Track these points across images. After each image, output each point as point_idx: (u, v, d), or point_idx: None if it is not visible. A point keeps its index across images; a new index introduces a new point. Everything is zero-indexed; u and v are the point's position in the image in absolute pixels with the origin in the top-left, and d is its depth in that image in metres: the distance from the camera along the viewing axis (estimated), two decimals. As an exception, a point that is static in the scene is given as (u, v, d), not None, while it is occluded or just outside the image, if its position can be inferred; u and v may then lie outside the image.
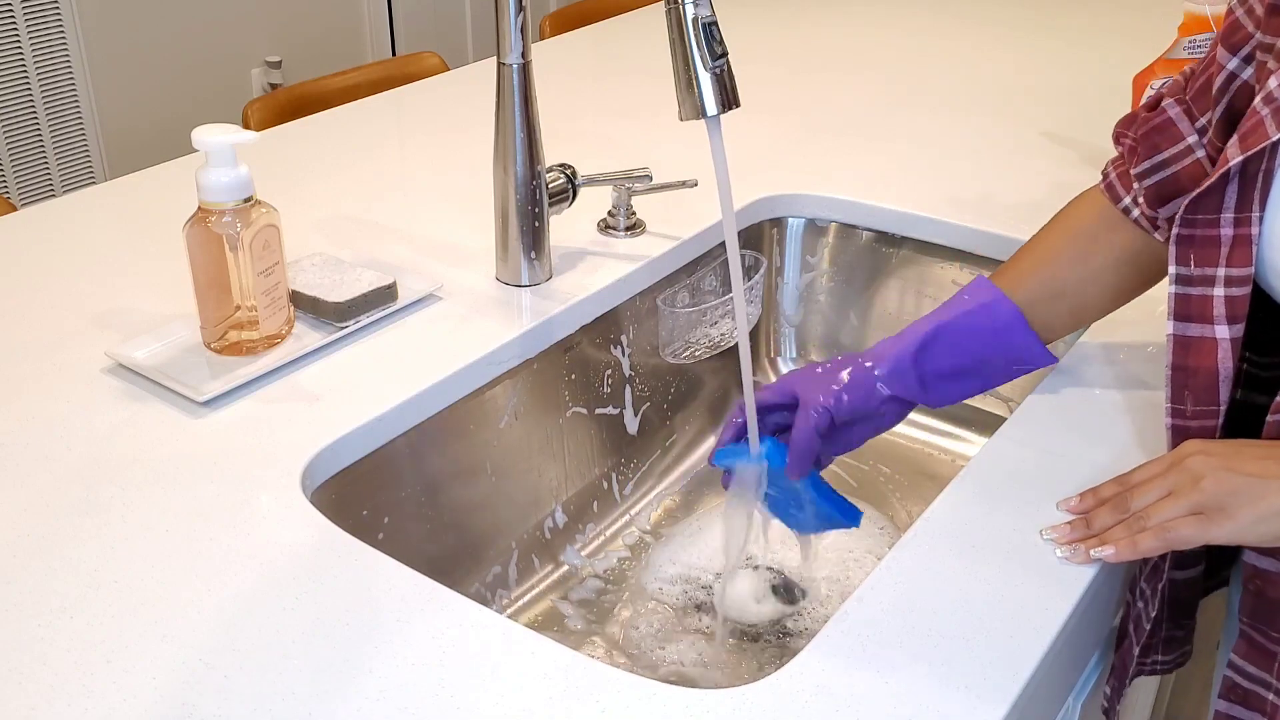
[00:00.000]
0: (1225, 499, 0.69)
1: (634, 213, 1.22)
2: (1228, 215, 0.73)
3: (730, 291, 1.27)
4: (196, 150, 0.91)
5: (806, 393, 0.87)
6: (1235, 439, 0.74)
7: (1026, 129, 1.48)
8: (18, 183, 2.85)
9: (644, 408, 1.22)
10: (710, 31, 0.77)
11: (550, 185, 1.09)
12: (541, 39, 1.97)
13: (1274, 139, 0.69)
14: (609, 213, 1.21)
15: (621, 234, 1.20)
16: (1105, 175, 0.90)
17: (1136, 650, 0.83)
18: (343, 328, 1.00)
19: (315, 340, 0.99)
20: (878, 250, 1.30)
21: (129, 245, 1.18)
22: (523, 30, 1.00)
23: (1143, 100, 0.87)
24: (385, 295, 1.03)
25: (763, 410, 0.89)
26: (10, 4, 2.72)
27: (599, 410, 1.16)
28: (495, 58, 1.02)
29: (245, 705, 0.65)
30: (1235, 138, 0.72)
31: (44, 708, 0.65)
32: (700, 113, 0.79)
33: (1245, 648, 0.78)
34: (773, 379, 1.36)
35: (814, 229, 1.32)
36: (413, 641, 0.69)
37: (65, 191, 2.91)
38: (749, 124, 1.49)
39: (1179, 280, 0.76)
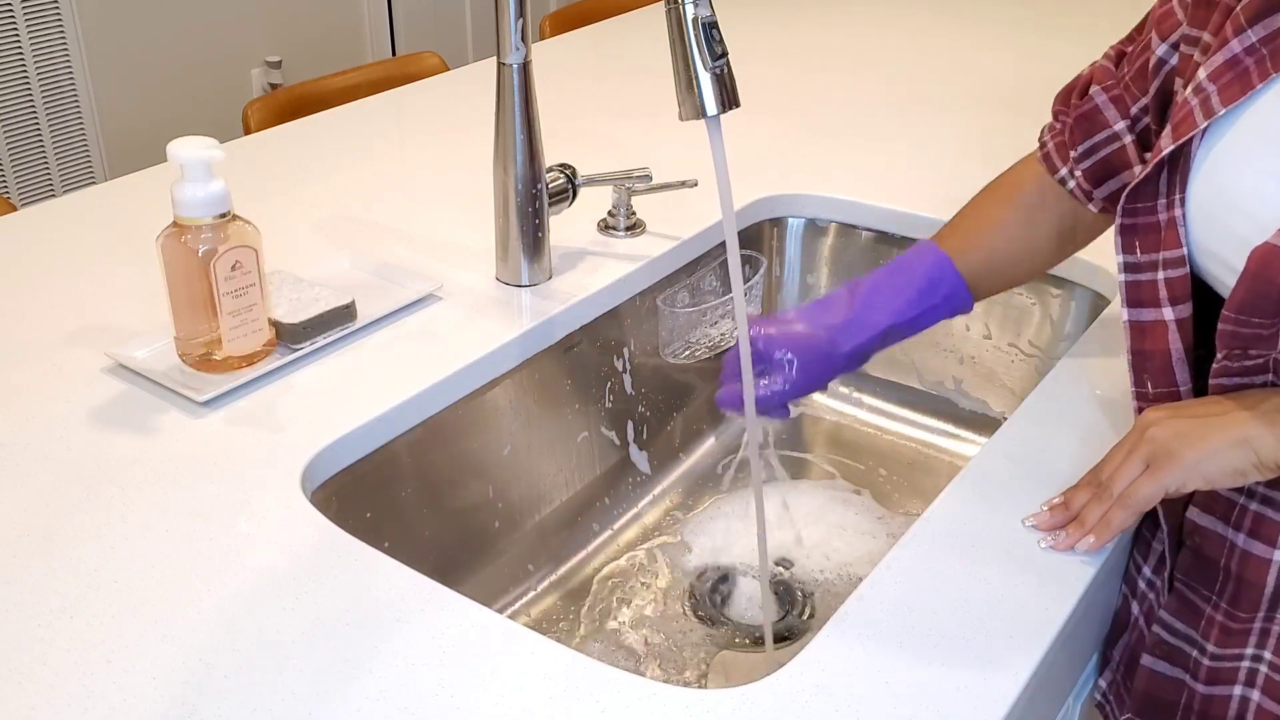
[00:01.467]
0: (1169, 443, 0.71)
1: (634, 213, 1.22)
2: (1161, 201, 0.76)
3: (730, 291, 1.27)
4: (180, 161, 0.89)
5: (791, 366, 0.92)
6: (1187, 400, 0.77)
7: (1027, 129, 1.47)
8: (18, 183, 2.85)
9: (644, 408, 1.22)
10: (710, 31, 0.77)
11: (550, 185, 1.09)
12: (541, 39, 1.97)
13: (1202, 127, 0.72)
14: (609, 213, 1.21)
15: (621, 234, 1.20)
16: (1043, 144, 0.92)
17: (1148, 638, 0.83)
18: (298, 349, 0.98)
19: (307, 345, 0.99)
20: (878, 250, 1.30)
21: (129, 245, 1.18)
22: (523, 30, 1.00)
23: (1077, 75, 0.90)
24: (343, 315, 1.01)
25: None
26: (10, 4, 2.72)
27: (598, 410, 1.16)
28: (495, 58, 1.02)
29: (245, 705, 0.65)
30: (1168, 127, 0.75)
31: (44, 708, 0.65)
32: (700, 113, 0.79)
33: (1176, 604, 0.80)
34: (773, 379, 1.36)
35: (814, 229, 1.32)
36: (413, 641, 0.69)
37: (65, 191, 2.91)
38: (749, 124, 1.49)
39: (1127, 268, 0.79)
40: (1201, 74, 0.74)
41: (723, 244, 1.26)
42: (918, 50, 1.84)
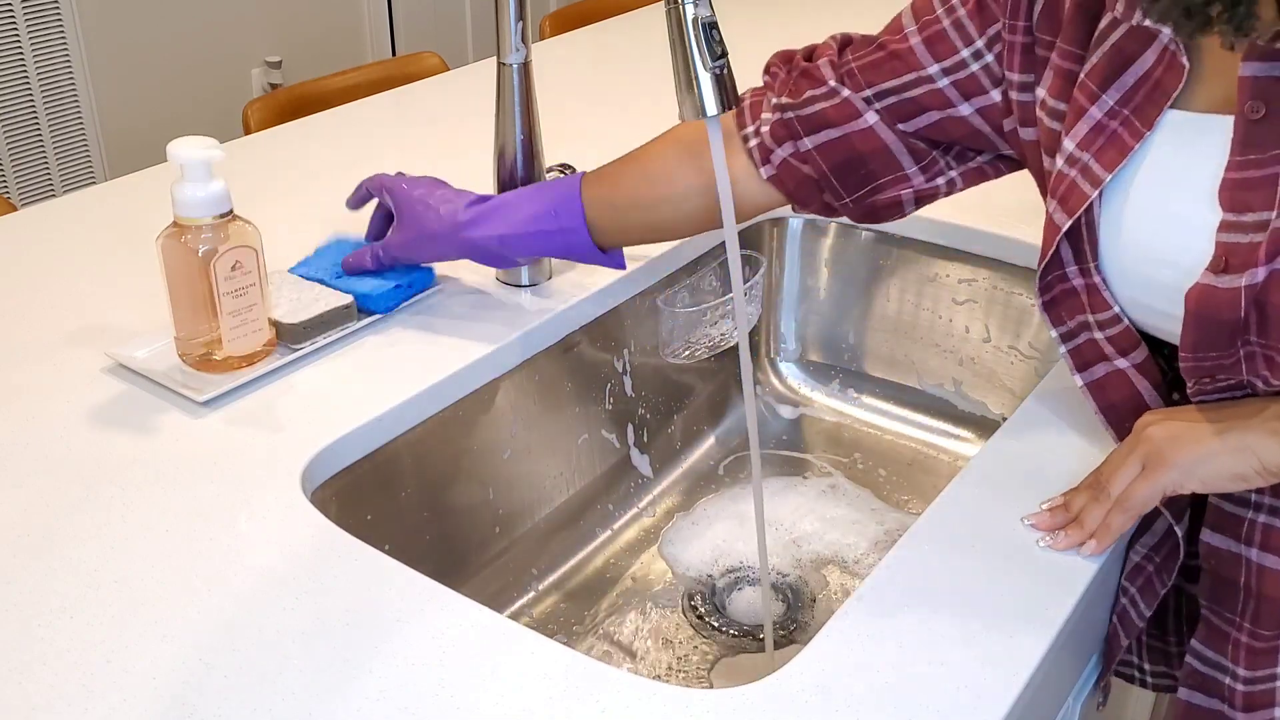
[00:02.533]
0: (1165, 445, 0.71)
1: (634, 213, 1.21)
2: (1071, 269, 0.77)
3: (730, 291, 1.27)
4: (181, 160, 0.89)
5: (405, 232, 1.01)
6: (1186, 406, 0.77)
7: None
8: (18, 183, 2.85)
9: (644, 408, 1.22)
10: (710, 32, 0.77)
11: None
12: (541, 39, 1.97)
13: (1093, 196, 0.73)
14: (609, 213, 1.21)
15: (621, 234, 1.20)
16: (740, 100, 0.92)
17: (1121, 647, 0.83)
18: (298, 349, 0.98)
19: (307, 345, 0.99)
20: (878, 250, 1.30)
21: (129, 245, 1.18)
22: (523, 31, 1.00)
23: (808, 44, 0.91)
24: (343, 315, 1.01)
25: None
26: (10, 4, 2.72)
27: (599, 410, 1.16)
28: (495, 58, 1.02)
29: (245, 705, 0.65)
30: (1054, 202, 0.76)
31: (44, 708, 0.65)
32: (700, 113, 0.79)
33: (1205, 632, 0.80)
34: (773, 379, 1.36)
35: (814, 229, 1.32)
36: (413, 641, 0.69)
37: (65, 191, 2.91)
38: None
39: (1064, 338, 0.80)
40: (1069, 145, 0.74)
41: (723, 244, 1.26)
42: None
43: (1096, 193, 0.72)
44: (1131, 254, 0.73)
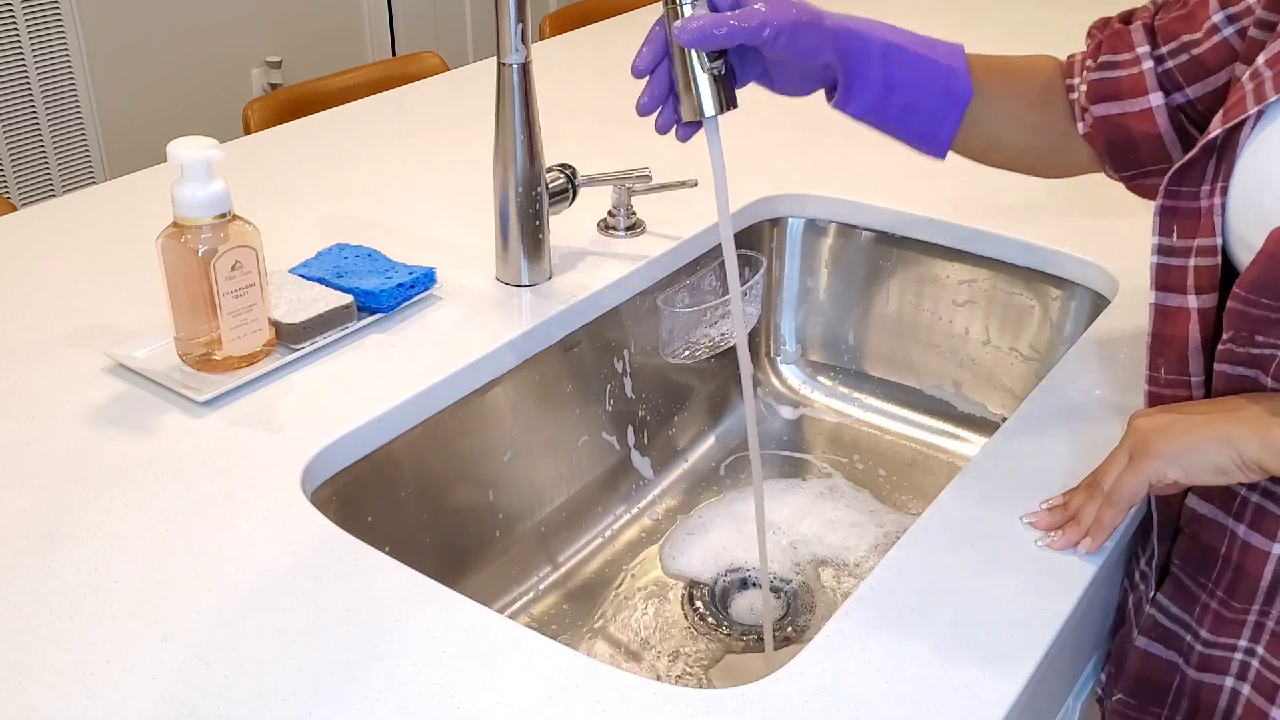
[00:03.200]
0: (1150, 435, 0.72)
1: (634, 213, 1.22)
2: (1205, 187, 0.75)
3: (729, 292, 1.27)
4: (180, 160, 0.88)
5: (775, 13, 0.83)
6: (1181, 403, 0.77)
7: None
8: (18, 183, 2.85)
9: (644, 408, 1.22)
10: None
11: (550, 185, 1.09)
12: (541, 39, 1.97)
13: (1251, 112, 0.71)
14: (609, 213, 1.21)
15: (621, 234, 1.20)
16: (1070, 57, 0.92)
17: (1135, 634, 0.83)
18: (298, 349, 0.98)
19: (308, 345, 0.99)
20: (878, 250, 1.30)
21: (129, 245, 1.18)
22: (523, 30, 1.00)
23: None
24: (343, 315, 1.01)
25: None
26: (10, 4, 2.72)
27: (599, 410, 1.16)
28: (495, 58, 1.02)
29: (245, 705, 0.65)
30: (1221, 111, 0.74)
31: (44, 708, 0.65)
32: (698, 113, 0.79)
33: (1172, 589, 0.80)
34: (773, 380, 1.36)
35: (814, 229, 1.32)
36: (413, 641, 0.69)
37: (65, 191, 2.91)
38: (750, 124, 1.49)
39: (1161, 250, 0.78)
40: (1260, 59, 0.73)
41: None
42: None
43: (1258, 107, 0.71)
44: (1259, 182, 0.72)
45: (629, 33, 1.96)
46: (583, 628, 1.06)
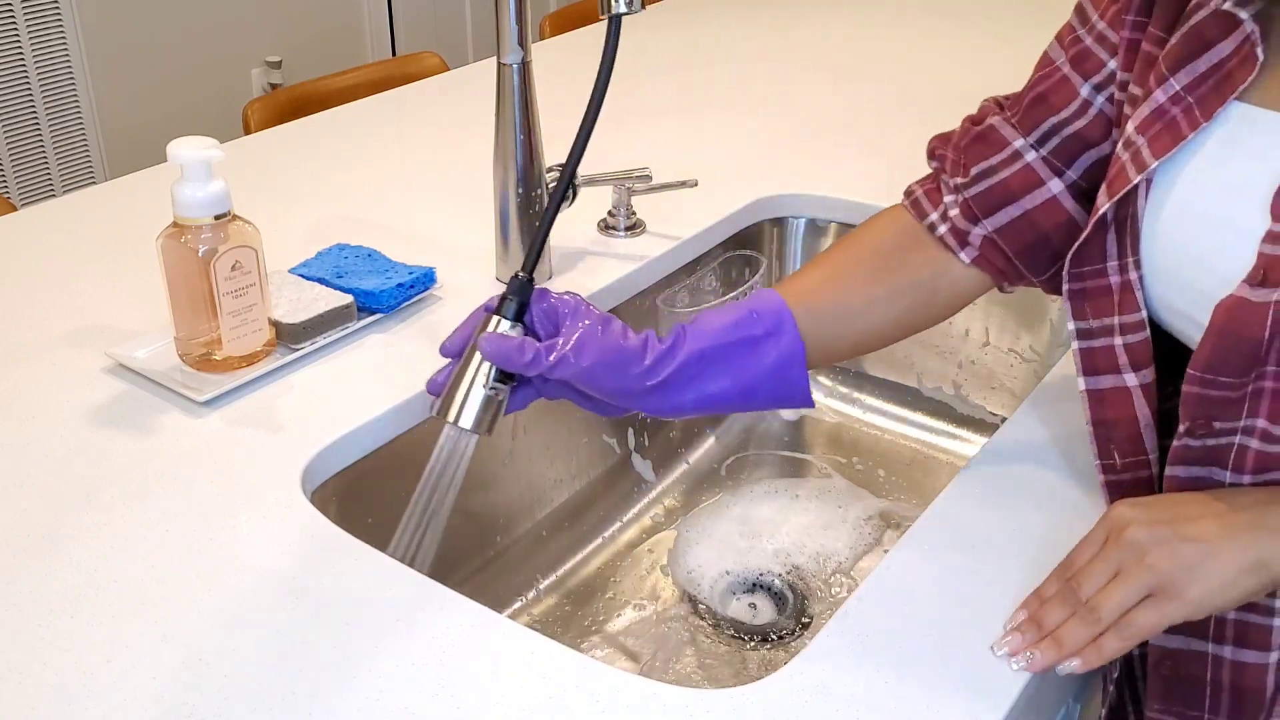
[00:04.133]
0: (1176, 575, 0.63)
1: (634, 213, 1.22)
2: (1112, 264, 0.73)
3: (730, 292, 1.27)
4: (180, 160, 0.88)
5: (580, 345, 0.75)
6: (1164, 496, 0.70)
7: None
8: (18, 183, 2.85)
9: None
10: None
11: (550, 185, 1.09)
12: (541, 39, 1.97)
13: (1136, 181, 0.69)
14: (609, 213, 1.21)
15: (621, 234, 1.20)
16: (910, 194, 0.86)
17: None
18: (298, 349, 0.98)
19: (307, 345, 0.99)
20: (878, 250, 1.30)
21: (129, 245, 1.18)
22: (522, 30, 1.00)
23: (964, 117, 0.86)
24: (343, 315, 1.00)
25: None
26: (10, 4, 2.72)
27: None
28: (495, 58, 1.02)
29: (245, 705, 0.65)
30: (1104, 185, 0.72)
31: (44, 708, 0.65)
32: (454, 419, 0.75)
33: None
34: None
35: (814, 229, 1.32)
36: (413, 641, 0.69)
37: (65, 191, 2.91)
38: (750, 124, 1.49)
39: (1080, 335, 0.75)
40: (1129, 127, 0.71)
41: (722, 244, 1.26)
42: (918, 51, 1.84)
43: (1141, 178, 0.69)
44: (1170, 251, 0.69)
45: (629, 33, 1.95)
46: (583, 628, 1.06)
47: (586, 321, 0.76)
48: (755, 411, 0.81)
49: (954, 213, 0.82)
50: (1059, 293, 0.81)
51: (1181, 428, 0.68)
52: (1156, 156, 0.68)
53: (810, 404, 0.81)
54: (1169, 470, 0.70)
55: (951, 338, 1.27)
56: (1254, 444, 0.66)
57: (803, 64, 1.77)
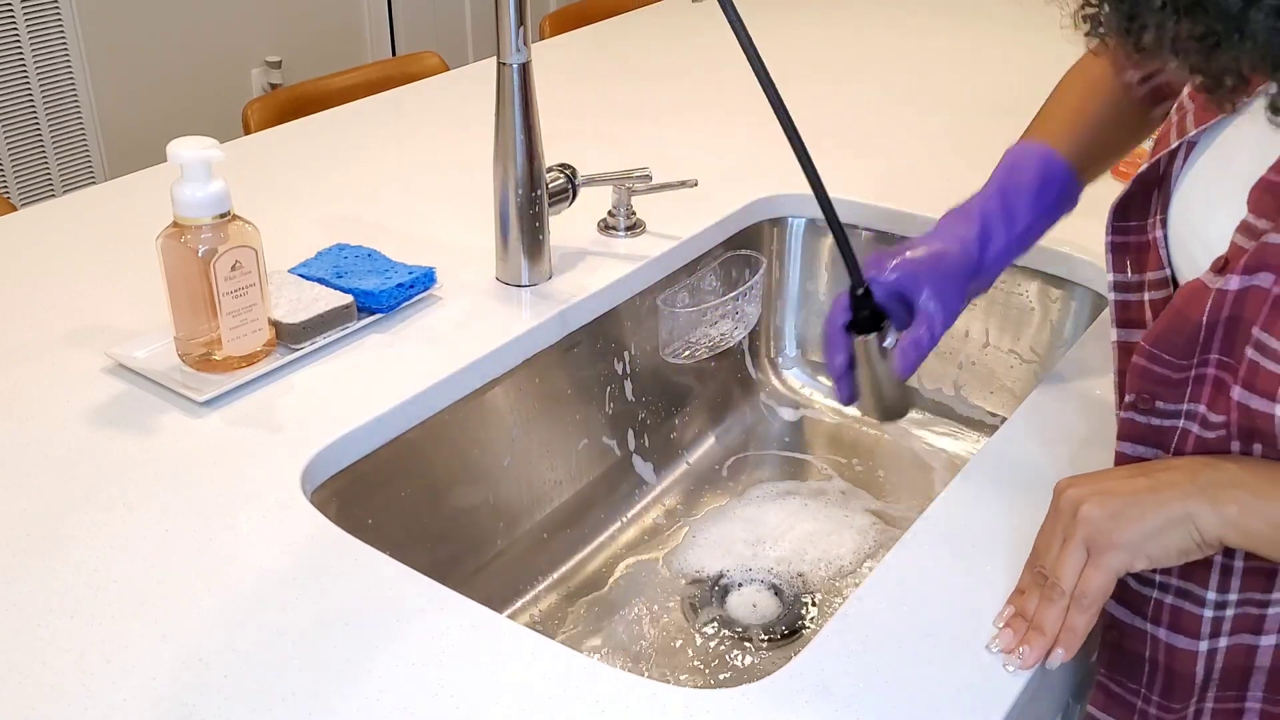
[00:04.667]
0: (1104, 522, 0.66)
1: (634, 213, 1.22)
2: (1150, 220, 0.74)
3: (730, 292, 1.27)
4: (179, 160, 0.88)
5: (927, 306, 0.87)
6: (1104, 469, 0.72)
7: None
8: (18, 183, 2.85)
9: (644, 409, 1.22)
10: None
11: (550, 185, 1.09)
12: (541, 39, 1.97)
13: (1173, 145, 0.71)
14: (609, 213, 1.21)
15: (621, 234, 1.20)
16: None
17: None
18: (298, 349, 0.98)
19: (307, 345, 0.99)
20: (878, 250, 1.30)
21: (129, 245, 1.18)
22: (523, 30, 1.00)
23: None
24: (343, 315, 1.01)
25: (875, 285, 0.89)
26: (10, 4, 2.72)
27: (599, 411, 1.16)
28: (495, 58, 1.02)
29: (245, 705, 0.65)
30: (1153, 143, 0.74)
31: (44, 708, 0.65)
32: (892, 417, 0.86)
33: (1103, 699, 0.76)
34: (773, 380, 1.36)
35: (814, 229, 1.32)
36: (413, 641, 0.69)
37: (65, 191, 2.91)
38: (749, 124, 1.49)
39: (1118, 287, 0.77)
40: (1185, 91, 0.73)
41: (722, 244, 1.26)
42: (918, 51, 1.84)
43: (1179, 142, 0.70)
44: (1187, 221, 0.71)
45: (629, 33, 1.96)
46: (583, 628, 1.06)
47: (926, 290, 0.87)
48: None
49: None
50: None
51: (1127, 398, 0.71)
52: (1196, 125, 0.70)
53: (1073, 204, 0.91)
54: (1118, 446, 0.72)
55: (952, 338, 1.27)
56: (1195, 429, 0.68)
57: (803, 64, 1.77)
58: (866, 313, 0.86)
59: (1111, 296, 0.77)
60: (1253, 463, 0.66)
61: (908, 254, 0.88)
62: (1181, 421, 0.69)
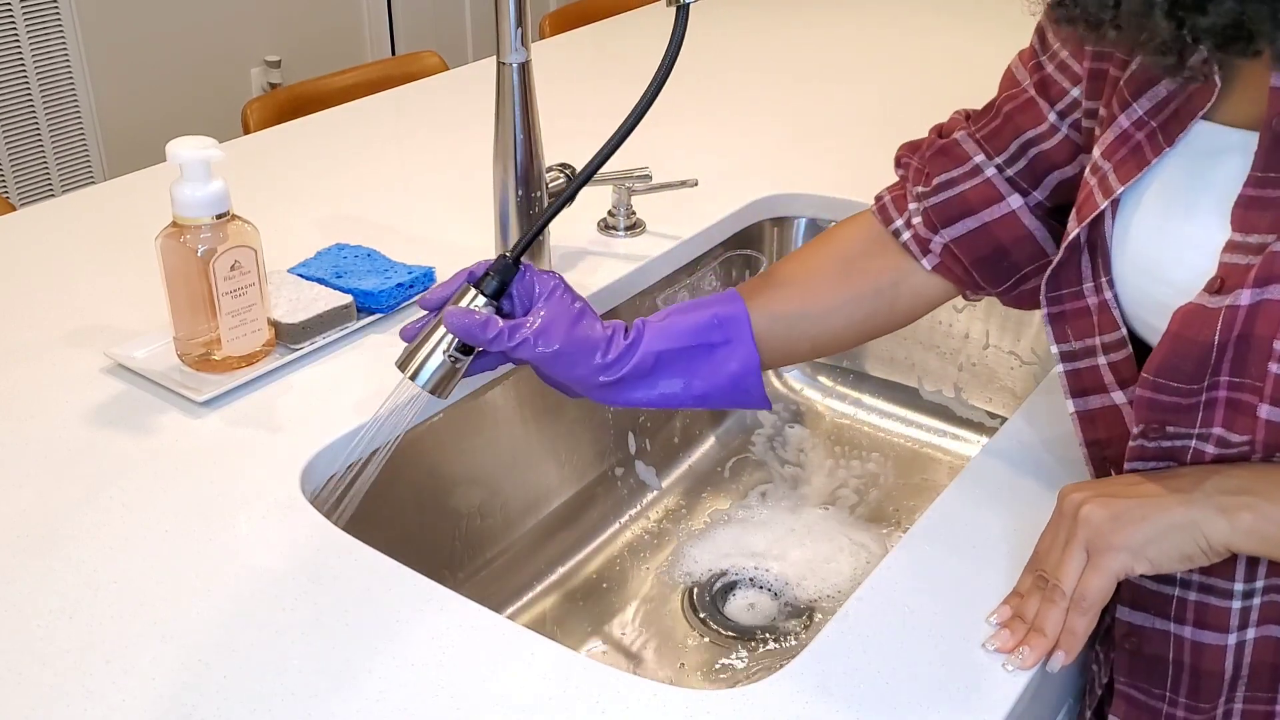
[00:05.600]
0: (1105, 524, 0.66)
1: (634, 213, 1.22)
2: (1088, 285, 0.74)
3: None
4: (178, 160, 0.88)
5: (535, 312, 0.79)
6: (1111, 476, 0.72)
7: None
8: (18, 183, 2.85)
9: (644, 410, 1.22)
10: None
11: (550, 185, 1.09)
12: (541, 39, 1.97)
13: (1103, 206, 0.71)
14: (609, 213, 1.21)
15: (621, 234, 1.20)
16: (879, 199, 0.88)
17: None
18: (297, 349, 0.98)
19: (307, 345, 0.99)
20: (878, 250, 1.30)
21: (128, 245, 1.18)
22: (523, 30, 1.00)
23: (933, 125, 0.89)
24: (342, 315, 1.00)
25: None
26: (10, 4, 2.71)
27: (599, 411, 1.16)
28: (495, 58, 1.02)
29: (245, 705, 0.65)
30: (1074, 210, 0.74)
31: (44, 708, 0.65)
32: (412, 376, 0.78)
33: (1125, 707, 0.76)
34: (773, 380, 1.36)
35: (814, 229, 1.32)
36: (413, 641, 0.69)
37: (65, 191, 2.91)
38: (750, 124, 1.49)
39: (1065, 357, 0.76)
40: (1096, 152, 0.72)
41: (722, 244, 1.26)
42: (918, 50, 1.84)
43: (1107, 203, 0.70)
44: (1136, 269, 0.71)
45: (629, 33, 1.96)
46: (582, 628, 1.06)
47: (558, 306, 0.79)
48: (714, 409, 0.86)
49: (917, 220, 0.84)
50: (1020, 306, 0.85)
51: (1135, 429, 0.70)
52: (1122, 182, 0.70)
53: (767, 407, 0.84)
54: (1127, 466, 0.71)
55: (952, 339, 1.27)
56: (1209, 449, 0.67)
57: (803, 64, 1.77)
58: (494, 279, 0.79)
59: (1061, 368, 0.76)
60: (1261, 469, 0.66)
61: (570, 301, 0.80)
62: (1194, 443, 0.68)
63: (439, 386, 0.79)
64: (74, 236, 1.21)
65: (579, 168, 1.14)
